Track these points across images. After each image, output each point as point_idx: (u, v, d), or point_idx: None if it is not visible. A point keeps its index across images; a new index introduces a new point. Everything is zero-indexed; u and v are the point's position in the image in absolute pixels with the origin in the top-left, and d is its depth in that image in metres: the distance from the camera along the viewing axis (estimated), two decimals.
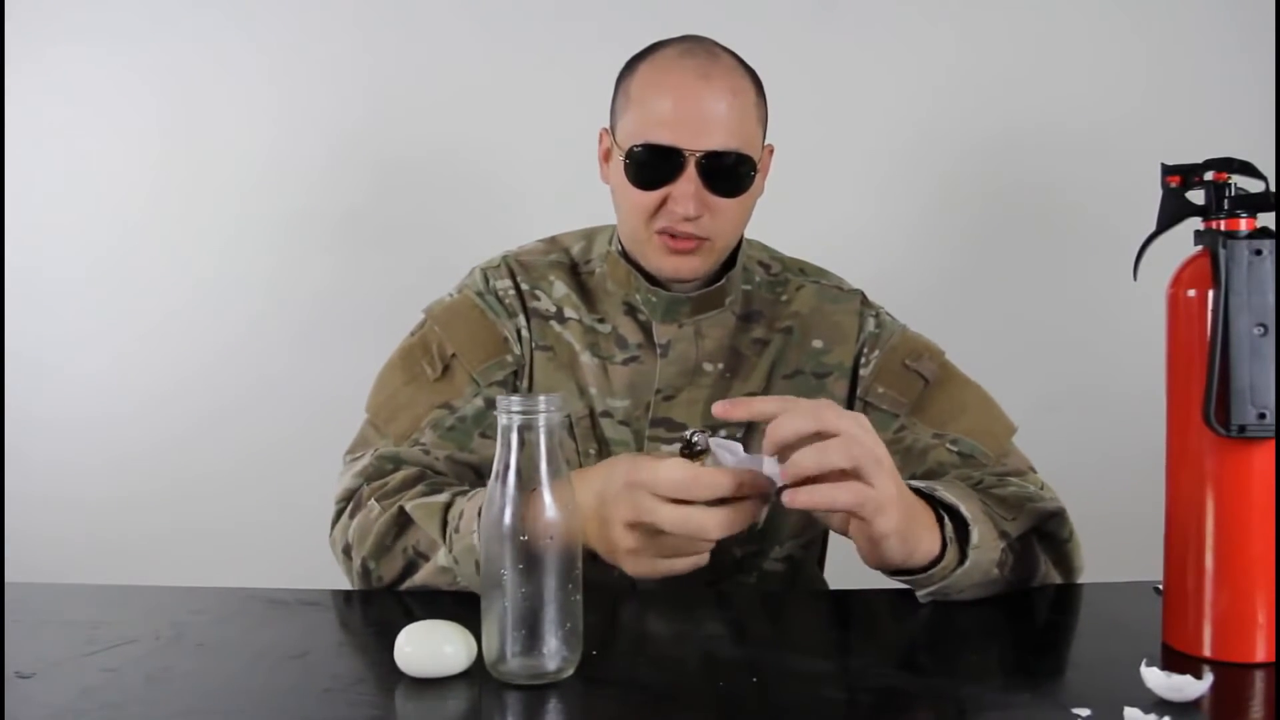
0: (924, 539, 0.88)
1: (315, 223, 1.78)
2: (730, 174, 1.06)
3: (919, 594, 0.93)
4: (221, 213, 1.78)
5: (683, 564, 0.87)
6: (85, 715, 0.70)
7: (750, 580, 1.16)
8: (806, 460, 0.80)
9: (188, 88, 1.76)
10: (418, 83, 1.76)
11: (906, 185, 1.77)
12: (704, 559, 0.87)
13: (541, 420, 0.74)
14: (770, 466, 0.83)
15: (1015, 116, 1.75)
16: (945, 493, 0.92)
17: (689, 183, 1.04)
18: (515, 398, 0.74)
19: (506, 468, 0.74)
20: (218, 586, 1.00)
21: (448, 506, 0.96)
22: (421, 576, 0.97)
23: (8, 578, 1.09)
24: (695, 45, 1.09)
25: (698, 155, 1.04)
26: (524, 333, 1.16)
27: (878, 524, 0.83)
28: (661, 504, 0.82)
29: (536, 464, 0.74)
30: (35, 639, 0.85)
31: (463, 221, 1.76)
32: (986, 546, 0.90)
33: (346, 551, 1.03)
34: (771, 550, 1.16)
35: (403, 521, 0.98)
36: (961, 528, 0.90)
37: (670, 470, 0.82)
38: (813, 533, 1.19)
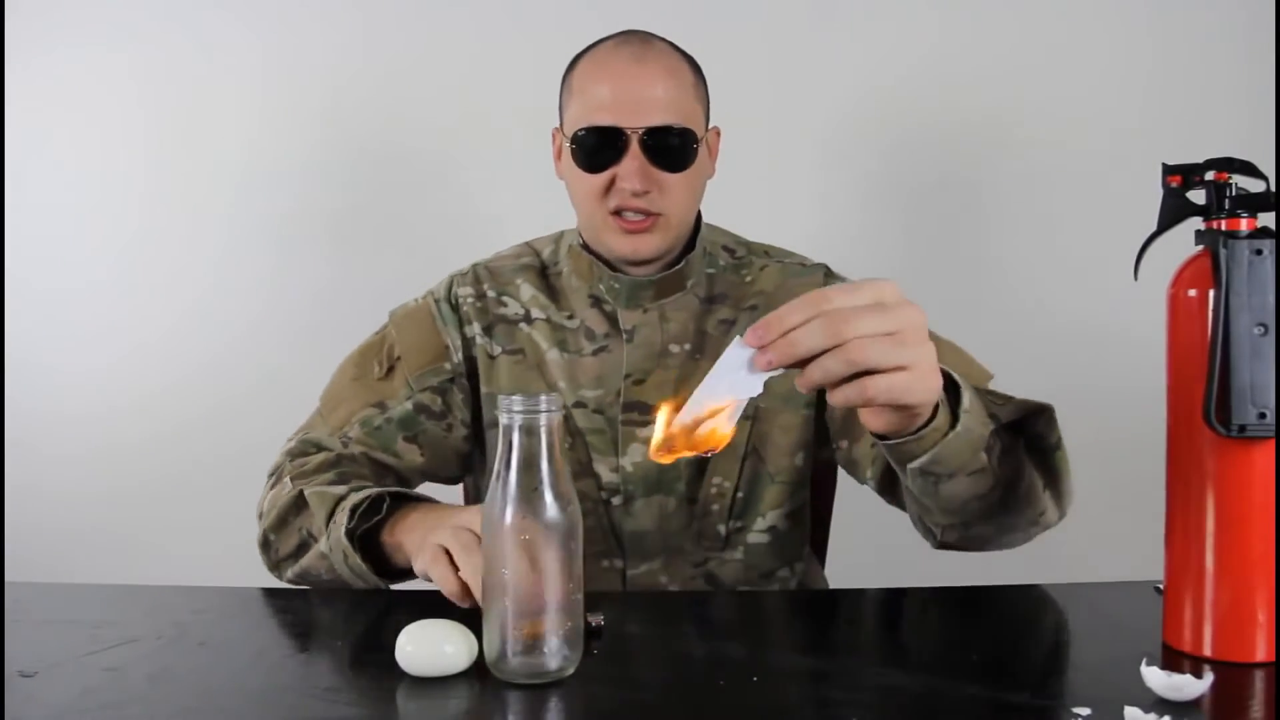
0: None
1: (312, 223, 1.78)
2: (674, 149, 1.09)
3: (909, 467, 0.85)
4: (218, 212, 1.78)
5: (449, 584, 0.87)
6: (87, 715, 0.70)
7: (737, 556, 1.17)
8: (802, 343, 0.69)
9: (181, 89, 1.76)
10: (413, 83, 1.76)
11: (902, 185, 1.77)
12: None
13: (542, 420, 0.74)
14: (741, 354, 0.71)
15: (1015, 114, 1.74)
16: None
17: (634, 159, 1.08)
18: (516, 397, 0.74)
19: (507, 467, 0.74)
20: (219, 586, 1.00)
21: (340, 499, 1.00)
22: (308, 559, 1.03)
23: (8, 575, 1.09)
24: (630, 35, 1.14)
25: (639, 132, 1.08)
26: (478, 340, 1.18)
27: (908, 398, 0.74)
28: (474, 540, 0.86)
29: (537, 464, 0.74)
30: (37, 638, 0.85)
31: (460, 220, 1.76)
32: (976, 414, 0.84)
33: (260, 519, 1.10)
34: (754, 523, 1.17)
35: (302, 502, 1.04)
36: (951, 393, 0.83)
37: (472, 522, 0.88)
38: (796, 502, 1.19)
